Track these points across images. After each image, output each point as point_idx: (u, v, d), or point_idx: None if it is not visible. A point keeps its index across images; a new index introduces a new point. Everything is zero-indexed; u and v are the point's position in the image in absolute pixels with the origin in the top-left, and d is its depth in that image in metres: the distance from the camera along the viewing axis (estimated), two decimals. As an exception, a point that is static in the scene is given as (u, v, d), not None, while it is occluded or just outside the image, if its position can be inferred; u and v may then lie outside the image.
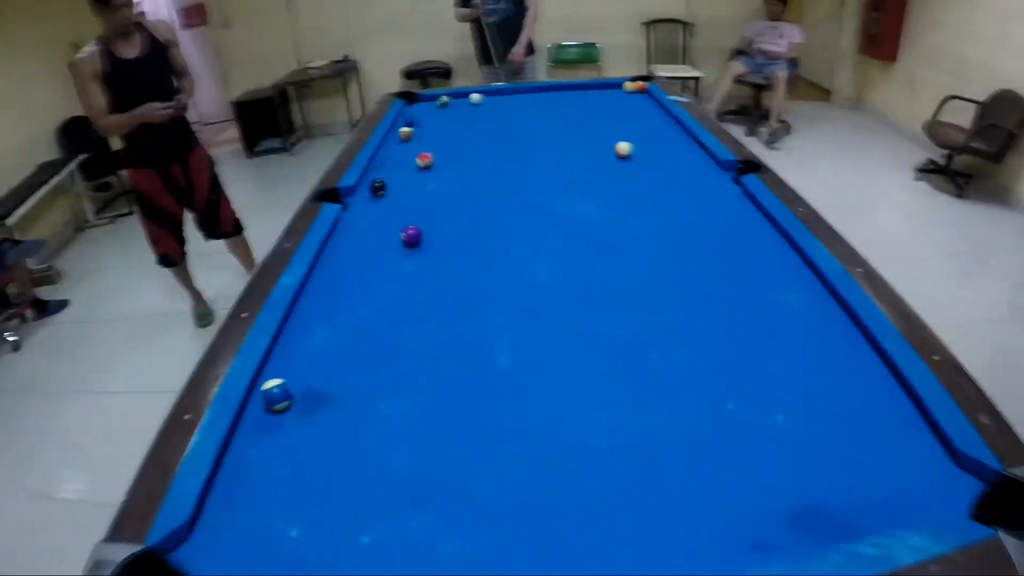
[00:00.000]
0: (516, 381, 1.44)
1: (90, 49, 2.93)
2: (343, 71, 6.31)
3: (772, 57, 5.56)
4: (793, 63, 5.58)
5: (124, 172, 3.57)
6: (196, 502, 1.12)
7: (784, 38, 5.56)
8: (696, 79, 6.02)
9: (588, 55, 6.24)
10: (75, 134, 5.92)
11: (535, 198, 2.41)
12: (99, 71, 2.91)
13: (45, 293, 4.87)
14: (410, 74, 6.23)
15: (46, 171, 5.31)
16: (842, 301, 1.58)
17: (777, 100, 5.50)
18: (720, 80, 5.75)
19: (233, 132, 6.85)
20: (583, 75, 6.20)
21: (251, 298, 1.78)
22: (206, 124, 8.11)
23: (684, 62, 6.21)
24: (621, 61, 6.26)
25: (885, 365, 1.36)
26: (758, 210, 2.12)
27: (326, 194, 2.52)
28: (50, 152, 5.46)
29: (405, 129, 3.15)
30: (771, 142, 5.44)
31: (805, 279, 1.72)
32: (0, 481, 3.04)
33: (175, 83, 3.24)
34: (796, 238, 1.86)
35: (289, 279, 1.87)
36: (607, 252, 1.99)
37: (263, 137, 6.63)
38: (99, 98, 2.96)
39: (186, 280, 3.86)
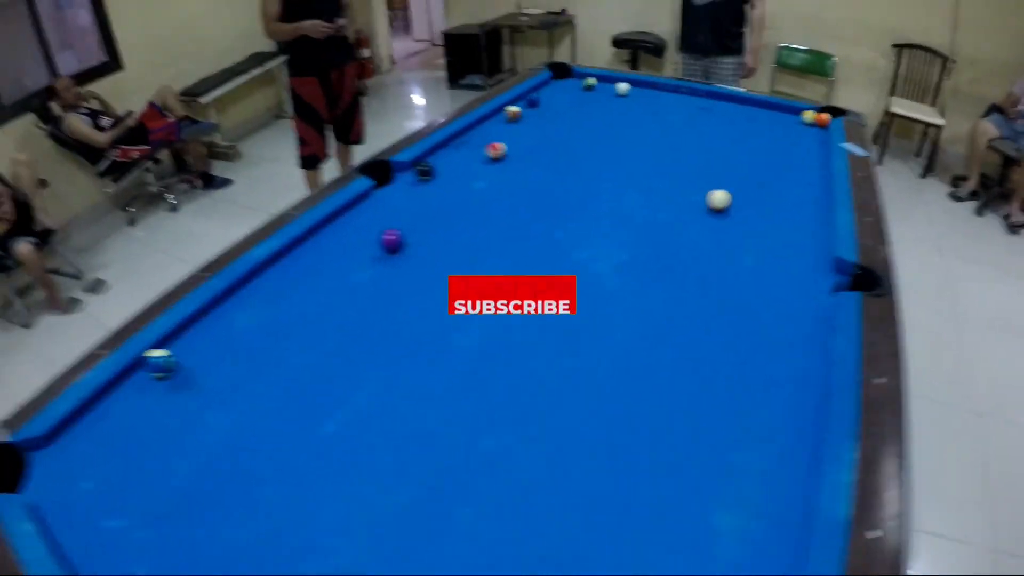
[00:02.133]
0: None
1: None
2: (553, 23, 5.78)
3: (1036, 128, 4.12)
4: (1060, 143, 4.12)
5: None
6: (55, 425, 1.23)
7: (1060, 108, 4.10)
8: (938, 128, 4.71)
9: (819, 66, 5.12)
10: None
11: (572, 238, 1.92)
12: None
13: (221, 167, 5.32)
14: (619, 42, 5.58)
15: (255, 60, 5.55)
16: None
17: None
18: (973, 145, 4.44)
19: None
20: (809, 88, 5.16)
21: (224, 257, 1.73)
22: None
23: (932, 103, 4.87)
24: (858, 81, 5.10)
25: None
26: (825, 352, 1.44)
27: (378, 166, 2.25)
28: (266, 44, 5.62)
29: (512, 108, 2.71)
30: (1013, 231, 4.19)
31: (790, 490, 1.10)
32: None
33: (342, 5, 3.44)
34: (830, 430, 1.21)
35: (262, 251, 1.75)
36: (582, 340, 1.50)
37: (470, 71, 6.40)
38: (273, 4, 3.21)
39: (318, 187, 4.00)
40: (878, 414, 1.25)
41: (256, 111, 5.77)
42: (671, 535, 1.04)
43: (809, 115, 2.72)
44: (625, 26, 5.60)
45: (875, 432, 1.21)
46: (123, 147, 4.60)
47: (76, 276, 4.21)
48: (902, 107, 4.74)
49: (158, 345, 1.38)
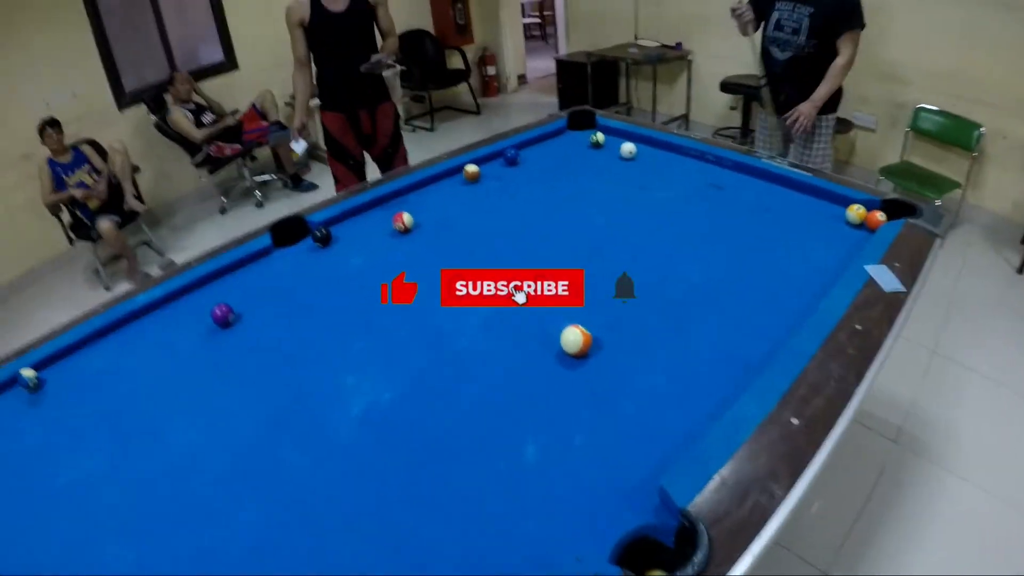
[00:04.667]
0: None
1: None
2: (659, 58, 5.03)
3: None
4: None
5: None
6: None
7: None
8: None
9: (960, 136, 3.82)
10: (410, 46, 6.03)
11: (362, 354, 1.49)
12: (305, 20, 2.91)
13: (318, 170, 5.43)
14: (725, 86, 4.77)
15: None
16: None
17: None
18: None
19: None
20: (949, 163, 3.99)
21: (113, 300, 1.79)
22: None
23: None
24: (1012, 161, 3.76)
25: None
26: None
27: (292, 223, 2.03)
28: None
29: (471, 168, 2.26)
30: None
31: None
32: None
33: (378, 40, 3.16)
34: None
35: (144, 298, 1.77)
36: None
37: (582, 101, 5.91)
38: (299, 45, 2.98)
39: None
40: None
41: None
42: None
43: (855, 212, 1.92)
44: (735, 68, 4.72)
45: None
46: (218, 143, 4.80)
47: (160, 253, 4.52)
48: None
49: (35, 367, 1.53)
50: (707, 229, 1.93)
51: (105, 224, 4.03)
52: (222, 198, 5.09)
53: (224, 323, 1.62)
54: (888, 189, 3.52)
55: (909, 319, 1.49)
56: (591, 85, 5.54)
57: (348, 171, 3.39)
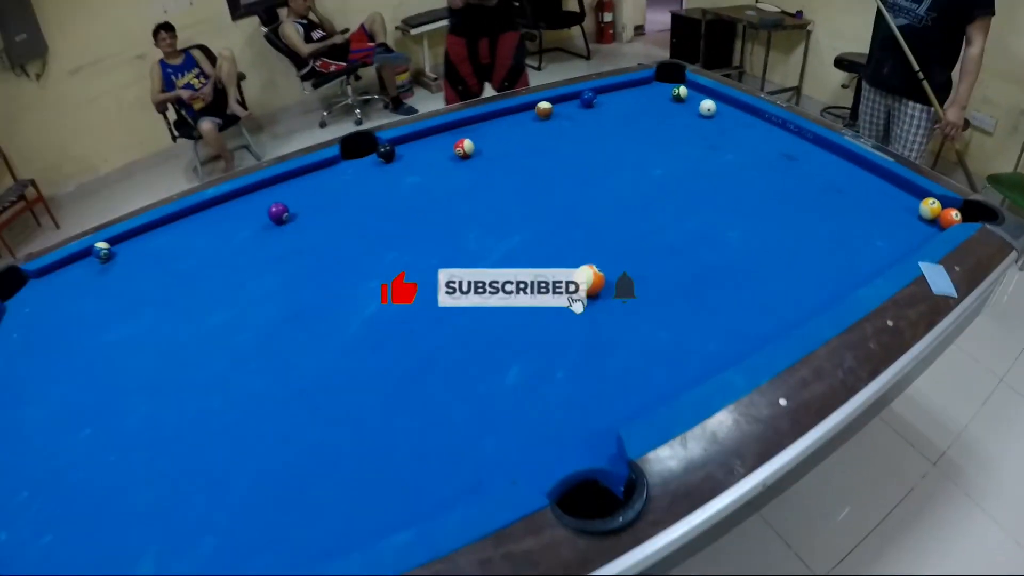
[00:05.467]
0: None
1: None
2: (775, 24, 4.71)
3: None
4: None
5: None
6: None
7: None
8: None
9: None
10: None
11: (398, 261, 1.56)
12: None
13: (420, 96, 5.66)
14: (840, 63, 4.45)
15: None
16: None
17: None
18: None
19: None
20: None
21: (185, 192, 2.00)
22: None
23: None
24: None
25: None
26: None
27: (363, 137, 2.15)
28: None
29: (544, 105, 2.26)
30: None
31: None
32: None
33: None
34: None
35: (212, 192, 1.95)
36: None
37: (692, 60, 5.68)
38: None
39: None
40: None
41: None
42: None
43: (929, 206, 1.74)
44: (857, 45, 4.30)
45: None
46: (324, 59, 4.93)
47: (257, 158, 4.78)
48: None
49: (109, 241, 1.73)
50: (767, 199, 1.85)
51: (207, 125, 4.30)
52: (323, 112, 5.31)
53: (279, 220, 1.76)
54: (994, 199, 3.24)
55: (968, 336, 1.38)
56: (703, 43, 5.32)
57: (456, 97, 3.41)
